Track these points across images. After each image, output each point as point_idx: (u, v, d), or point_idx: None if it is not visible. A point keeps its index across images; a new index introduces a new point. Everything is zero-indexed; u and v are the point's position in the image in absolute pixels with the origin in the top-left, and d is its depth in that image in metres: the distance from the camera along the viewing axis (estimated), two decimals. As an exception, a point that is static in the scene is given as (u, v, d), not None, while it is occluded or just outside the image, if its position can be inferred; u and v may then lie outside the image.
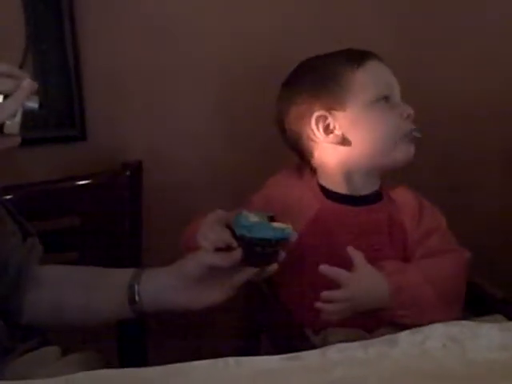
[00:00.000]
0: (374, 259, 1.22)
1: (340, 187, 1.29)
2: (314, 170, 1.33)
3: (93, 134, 1.53)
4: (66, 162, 1.52)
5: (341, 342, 1.03)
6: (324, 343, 1.18)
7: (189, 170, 1.59)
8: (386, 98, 1.26)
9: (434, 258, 1.26)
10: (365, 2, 1.60)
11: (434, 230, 1.29)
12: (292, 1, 1.58)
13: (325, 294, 1.15)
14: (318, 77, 1.28)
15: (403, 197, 1.31)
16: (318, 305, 1.15)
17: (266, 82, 1.41)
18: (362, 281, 1.16)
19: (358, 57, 1.28)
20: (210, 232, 1.11)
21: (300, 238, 1.15)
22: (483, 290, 1.33)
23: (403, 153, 1.26)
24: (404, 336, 0.95)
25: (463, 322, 0.95)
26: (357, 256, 1.18)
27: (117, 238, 1.44)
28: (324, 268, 1.15)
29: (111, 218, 1.44)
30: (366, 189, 1.30)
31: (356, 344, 0.96)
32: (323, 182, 1.31)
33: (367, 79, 1.26)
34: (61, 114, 1.50)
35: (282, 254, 1.11)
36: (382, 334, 1.01)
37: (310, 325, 1.25)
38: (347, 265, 1.20)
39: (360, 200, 1.29)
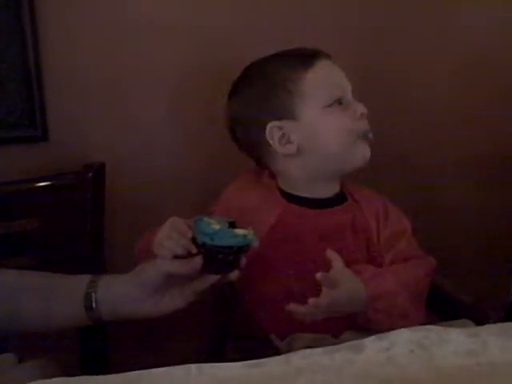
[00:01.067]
0: None
1: (301, 191, 1.27)
2: (273, 175, 1.30)
3: (54, 135, 1.50)
4: (27, 162, 1.48)
5: (306, 347, 1.02)
6: (289, 349, 1.16)
7: (152, 171, 1.57)
8: (339, 100, 1.22)
9: (406, 264, 1.24)
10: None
11: (402, 234, 1.28)
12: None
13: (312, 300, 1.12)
14: (267, 85, 1.24)
15: (368, 198, 1.29)
16: (291, 307, 1.12)
17: (229, 82, 1.38)
18: (342, 285, 1.14)
19: (306, 58, 1.23)
20: (167, 239, 1.08)
21: (262, 243, 1.14)
22: (451, 294, 1.33)
23: (360, 154, 1.23)
24: (370, 342, 0.93)
25: (430, 326, 0.94)
26: (336, 260, 1.15)
27: (78, 241, 1.41)
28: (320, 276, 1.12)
29: (73, 220, 1.41)
30: (328, 191, 1.28)
31: (321, 350, 0.94)
32: (283, 186, 1.28)
33: (318, 83, 1.22)
34: (21, 113, 1.47)
35: (243, 260, 1.09)
36: (349, 339, 0.99)
37: (275, 330, 1.23)
38: (310, 268, 1.18)
39: (322, 202, 1.26)
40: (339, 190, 1.29)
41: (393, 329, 0.96)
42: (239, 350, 1.31)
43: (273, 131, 1.23)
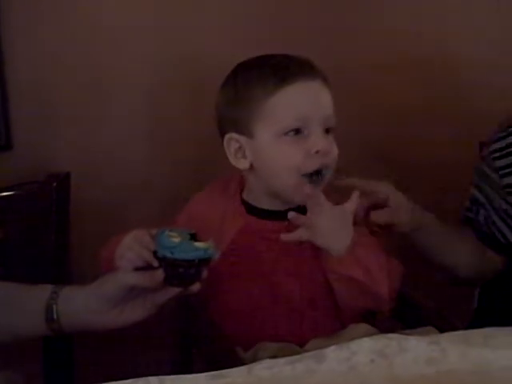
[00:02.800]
0: (296, 275, 1.20)
1: (263, 203, 1.24)
2: (241, 184, 1.29)
3: (18, 144, 1.49)
4: (-10, 171, 1.47)
5: (271, 357, 1.02)
6: (254, 359, 1.16)
7: (118, 180, 1.56)
8: (297, 130, 1.16)
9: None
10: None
11: (366, 246, 1.25)
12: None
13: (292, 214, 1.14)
14: (235, 95, 1.20)
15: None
16: (291, 215, 1.14)
17: (200, 87, 1.38)
18: (329, 213, 1.14)
19: (280, 78, 1.16)
20: (128, 251, 1.07)
21: (224, 255, 1.13)
22: (416, 302, 1.33)
23: (299, 194, 1.17)
24: (331, 351, 0.93)
25: (390, 335, 0.94)
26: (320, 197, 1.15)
27: (42, 252, 1.40)
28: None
29: (36, 230, 1.40)
30: (287, 204, 1.23)
31: (283, 360, 0.94)
32: (247, 197, 1.26)
33: (279, 108, 1.16)
34: (-16, 122, 1.46)
35: (205, 273, 1.09)
36: (315, 348, 0.99)
37: (240, 341, 1.22)
38: (271, 281, 1.19)
39: (282, 214, 1.22)
40: None
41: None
42: (206, 361, 1.30)
43: (230, 142, 1.21)
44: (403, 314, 1.30)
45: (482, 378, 0.83)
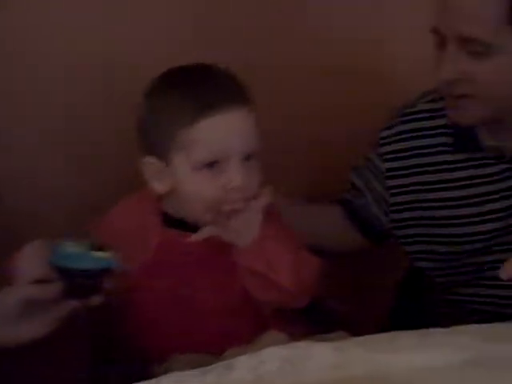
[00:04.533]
0: (213, 287, 1.21)
1: (183, 214, 1.22)
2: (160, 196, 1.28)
3: None
4: None
5: (186, 369, 1.02)
6: (168, 372, 1.15)
7: (29, 190, 1.52)
8: (214, 164, 1.13)
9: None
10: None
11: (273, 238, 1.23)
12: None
13: None
14: (152, 117, 1.17)
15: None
16: None
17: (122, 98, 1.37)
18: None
19: (198, 111, 1.12)
20: (26, 264, 1.06)
21: (143, 270, 1.13)
22: (328, 305, 1.35)
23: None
24: (240, 361, 0.94)
25: (298, 343, 0.95)
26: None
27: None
28: None
29: None
30: None
31: (194, 372, 0.94)
32: (167, 209, 1.24)
33: (196, 143, 1.13)
34: None
35: (108, 285, 1.07)
36: (231, 357, 1.00)
37: (156, 354, 1.22)
38: (188, 295, 1.19)
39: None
40: None
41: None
42: (121, 376, 1.29)
43: (147, 165, 1.18)
44: (317, 318, 1.32)
45: (380, 382, 0.85)
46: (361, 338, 0.98)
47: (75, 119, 1.52)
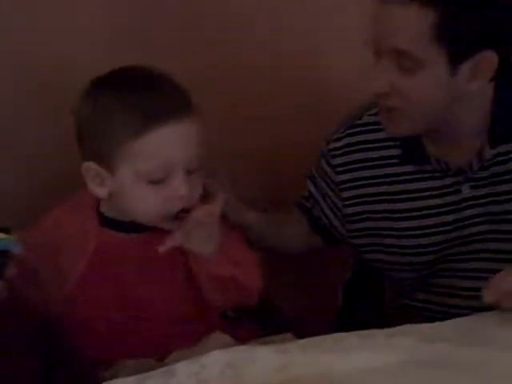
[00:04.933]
0: (157, 290, 1.19)
1: (121, 215, 1.21)
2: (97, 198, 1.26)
3: None
4: None
5: (131, 375, 1.01)
6: (114, 377, 1.14)
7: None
8: (157, 175, 1.13)
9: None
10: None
11: (232, 240, 1.25)
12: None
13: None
14: (94, 124, 1.15)
15: None
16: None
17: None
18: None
19: (142, 124, 1.11)
20: None
21: (82, 274, 1.12)
22: (277, 306, 1.35)
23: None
24: (181, 366, 0.93)
25: (241, 347, 0.94)
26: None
27: None
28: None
29: None
30: None
31: (132, 379, 0.93)
32: (104, 210, 1.23)
33: (141, 155, 1.11)
34: None
35: (10, 270, 1.04)
36: (176, 360, 0.98)
37: (102, 360, 1.20)
38: (129, 299, 1.18)
39: (145, 226, 1.21)
40: None
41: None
42: (68, 378, 1.27)
43: (89, 170, 1.16)
44: (264, 319, 1.32)
45: (323, 383, 0.85)
46: (304, 341, 0.98)
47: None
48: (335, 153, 1.35)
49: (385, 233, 1.34)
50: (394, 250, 1.34)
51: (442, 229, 1.29)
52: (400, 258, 1.33)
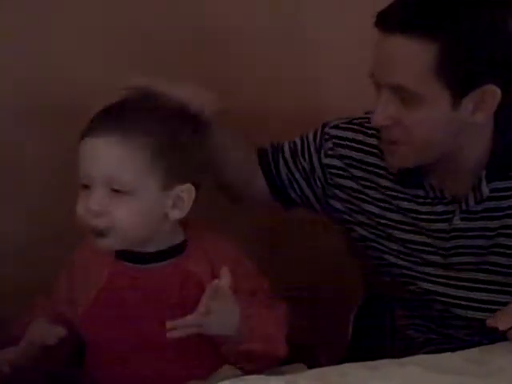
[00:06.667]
0: (162, 321, 1.16)
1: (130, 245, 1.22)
2: None
3: None
4: None
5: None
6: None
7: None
8: (85, 185, 1.16)
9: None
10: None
11: (257, 293, 1.24)
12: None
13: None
14: None
15: (217, 253, 1.24)
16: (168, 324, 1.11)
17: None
18: (222, 302, 1.12)
19: (83, 130, 1.17)
20: None
21: (93, 307, 1.15)
22: (288, 337, 1.34)
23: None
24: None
25: (249, 377, 0.95)
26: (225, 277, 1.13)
27: None
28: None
29: None
30: (163, 243, 1.23)
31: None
32: None
33: (80, 160, 1.17)
34: None
35: None
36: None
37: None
38: (137, 329, 1.19)
39: (155, 256, 1.22)
40: (183, 238, 1.25)
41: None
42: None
43: None
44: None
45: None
46: (313, 371, 0.98)
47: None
48: (341, 142, 1.34)
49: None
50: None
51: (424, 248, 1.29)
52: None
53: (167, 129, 1.17)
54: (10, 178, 1.49)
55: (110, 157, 1.15)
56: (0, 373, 1.14)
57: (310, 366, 1.20)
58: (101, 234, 1.16)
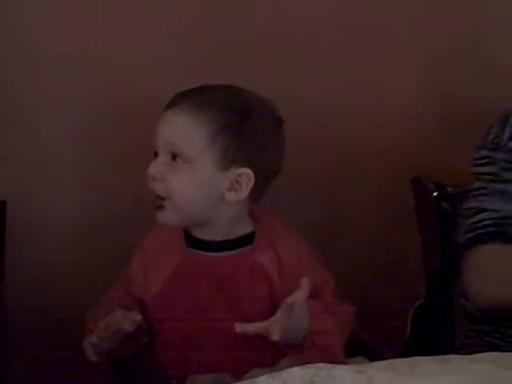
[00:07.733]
0: (232, 311, 1.21)
1: (201, 233, 1.25)
2: None
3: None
4: None
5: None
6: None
7: (55, 210, 1.54)
8: (155, 153, 1.22)
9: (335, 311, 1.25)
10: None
11: (321, 288, 1.27)
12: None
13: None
14: None
15: (284, 246, 1.26)
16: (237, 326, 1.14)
17: (132, 120, 1.38)
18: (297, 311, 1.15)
19: (167, 103, 1.24)
20: None
21: (163, 291, 1.18)
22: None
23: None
24: (263, 381, 0.94)
25: (320, 364, 0.95)
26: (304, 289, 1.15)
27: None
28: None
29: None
30: (232, 233, 1.25)
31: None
32: (190, 229, 1.27)
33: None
34: None
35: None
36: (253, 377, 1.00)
37: (176, 373, 1.23)
38: (207, 317, 1.21)
39: (224, 245, 1.25)
40: (252, 229, 1.27)
41: None
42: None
43: None
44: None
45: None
46: (382, 362, 0.98)
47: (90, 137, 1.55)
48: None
49: None
50: None
51: None
52: None
53: (238, 111, 1.21)
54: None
55: (175, 123, 1.21)
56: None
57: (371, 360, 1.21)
58: (160, 206, 1.20)
